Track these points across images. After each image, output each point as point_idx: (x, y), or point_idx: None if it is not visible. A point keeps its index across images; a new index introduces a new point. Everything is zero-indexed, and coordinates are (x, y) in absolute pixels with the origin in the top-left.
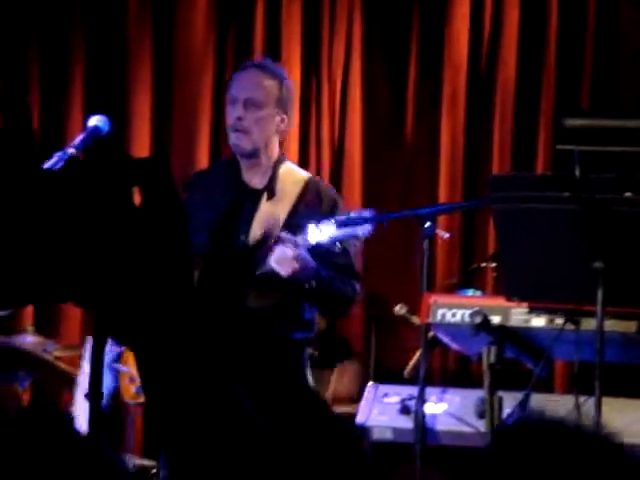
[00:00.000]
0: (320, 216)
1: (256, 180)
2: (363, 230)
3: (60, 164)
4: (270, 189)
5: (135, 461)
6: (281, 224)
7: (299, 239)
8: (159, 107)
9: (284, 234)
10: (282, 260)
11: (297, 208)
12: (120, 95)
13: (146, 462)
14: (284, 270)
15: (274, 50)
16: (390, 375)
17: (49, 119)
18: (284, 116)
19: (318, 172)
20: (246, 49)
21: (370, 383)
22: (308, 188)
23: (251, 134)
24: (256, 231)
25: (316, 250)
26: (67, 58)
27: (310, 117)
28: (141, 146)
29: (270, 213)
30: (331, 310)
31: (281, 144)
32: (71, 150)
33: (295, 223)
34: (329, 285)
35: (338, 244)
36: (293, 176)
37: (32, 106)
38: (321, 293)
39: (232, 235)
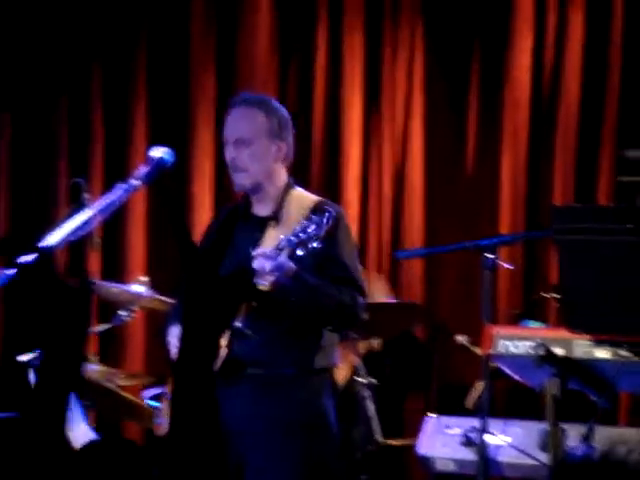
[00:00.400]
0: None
1: (263, 209)
2: (315, 230)
3: (124, 196)
4: (276, 216)
5: None
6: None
7: (271, 251)
8: (221, 139)
9: (257, 250)
10: (261, 274)
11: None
12: (183, 127)
13: None
14: (266, 281)
15: (335, 80)
16: (450, 405)
17: (113, 150)
18: (281, 144)
19: (379, 203)
20: (307, 79)
21: (430, 414)
22: (315, 211)
23: (248, 171)
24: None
25: (306, 263)
26: (130, 90)
27: (371, 148)
28: (202, 178)
29: (276, 239)
30: (332, 320)
31: (288, 169)
32: (135, 182)
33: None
34: (318, 289)
35: (315, 245)
36: (301, 201)
37: (95, 137)
38: (312, 298)
39: (240, 264)
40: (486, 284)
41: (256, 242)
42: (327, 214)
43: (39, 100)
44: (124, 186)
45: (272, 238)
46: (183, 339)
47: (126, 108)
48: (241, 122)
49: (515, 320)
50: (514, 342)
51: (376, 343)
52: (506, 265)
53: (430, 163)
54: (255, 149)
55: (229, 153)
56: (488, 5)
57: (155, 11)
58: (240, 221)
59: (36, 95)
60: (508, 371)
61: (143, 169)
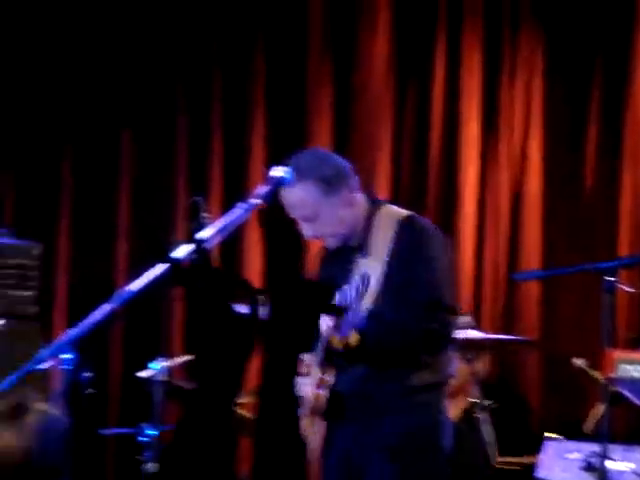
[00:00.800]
0: (413, 250)
1: (354, 240)
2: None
3: (244, 215)
4: (362, 246)
5: None
6: (378, 278)
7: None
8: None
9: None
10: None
11: (392, 257)
12: (300, 145)
13: None
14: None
15: (453, 97)
16: (567, 429)
17: (231, 168)
18: (341, 194)
19: (496, 221)
20: (425, 96)
21: (547, 434)
22: (401, 230)
23: (327, 236)
24: (351, 291)
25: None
26: (248, 109)
27: (488, 165)
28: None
29: (366, 268)
30: (422, 347)
31: (366, 191)
32: (255, 201)
33: (392, 273)
34: (396, 329)
35: None
36: (388, 221)
37: (214, 153)
38: (391, 339)
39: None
40: (605, 307)
41: (347, 275)
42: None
43: (159, 117)
44: (244, 205)
45: (362, 267)
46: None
47: (244, 123)
48: (295, 204)
49: (632, 344)
50: (635, 366)
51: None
52: (627, 288)
53: (549, 182)
54: (321, 218)
55: (304, 231)
56: (610, 23)
57: (272, 23)
58: (340, 257)
59: (156, 111)
60: (629, 395)
61: (263, 188)
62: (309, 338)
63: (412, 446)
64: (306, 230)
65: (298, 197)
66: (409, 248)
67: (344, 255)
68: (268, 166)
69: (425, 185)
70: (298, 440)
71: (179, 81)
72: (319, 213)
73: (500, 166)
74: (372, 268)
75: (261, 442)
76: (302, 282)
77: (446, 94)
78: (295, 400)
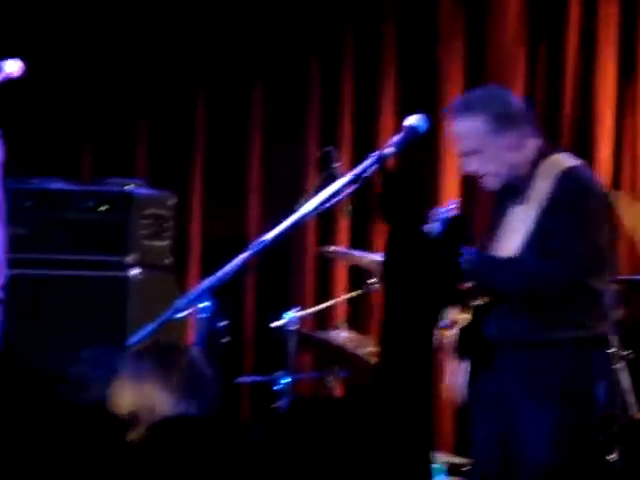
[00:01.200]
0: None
1: (515, 185)
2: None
3: (375, 165)
4: (520, 193)
5: (446, 459)
6: (529, 227)
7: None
8: None
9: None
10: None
11: (546, 210)
12: (431, 101)
13: (457, 460)
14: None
15: (587, 53)
16: None
17: (361, 119)
18: (511, 135)
19: (633, 176)
20: (558, 56)
21: None
22: (561, 180)
23: (488, 175)
24: (507, 240)
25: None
26: (379, 60)
27: (625, 119)
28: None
29: (521, 218)
30: (531, 292)
31: (540, 135)
32: (389, 149)
33: (545, 227)
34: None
35: None
36: (550, 170)
37: (344, 104)
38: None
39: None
40: None
41: (501, 220)
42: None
43: (290, 66)
44: (376, 154)
45: (519, 213)
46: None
47: (375, 79)
48: (462, 136)
49: None
50: None
51: None
52: None
53: None
54: (484, 155)
55: (465, 165)
56: None
57: None
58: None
59: (287, 61)
60: None
61: (396, 137)
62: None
63: (566, 394)
64: (467, 164)
65: (466, 128)
66: (566, 198)
67: (502, 200)
68: (398, 120)
69: (559, 136)
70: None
71: (311, 26)
72: (483, 149)
73: (638, 117)
74: (526, 216)
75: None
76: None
77: (581, 46)
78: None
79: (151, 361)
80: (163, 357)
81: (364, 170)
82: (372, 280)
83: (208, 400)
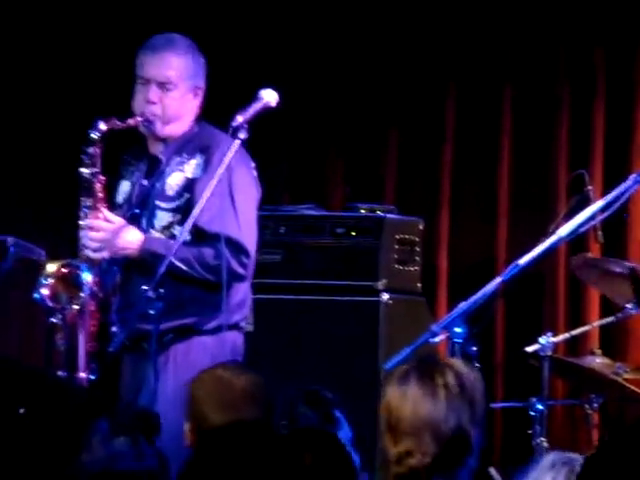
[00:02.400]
0: None
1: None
2: None
3: (633, 188)
4: None
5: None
6: None
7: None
8: None
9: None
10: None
11: None
12: None
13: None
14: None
15: None
16: None
17: (613, 141)
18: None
19: None
20: None
21: None
22: None
23: None
24: None
25: None
26: (634, 80)
27: None
28: None
29: None
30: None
31: None
32: None
33: None
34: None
35: None
36: None
37: (596, 129)
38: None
39: None
40: None
41: None
42: None
43: (539, 85)
44: (635, 177)
45: None
46: None
47: (629, 96)
48: None
49: None
50: None
51: None
52: None
53: None
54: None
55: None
56: None
57: None
58: None
59: (536, 81)
60: None
61: None
62: None
63: None
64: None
65: None
66: None
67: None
68: None
69: None
70: None
71: (562, 54)
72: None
73: None
74: None
75: None
76: None
77: None
78: None
79: (416, 376)
80: (428, 372)
81: (619, 195)
82: (629, 305)
83: (480, 414)
